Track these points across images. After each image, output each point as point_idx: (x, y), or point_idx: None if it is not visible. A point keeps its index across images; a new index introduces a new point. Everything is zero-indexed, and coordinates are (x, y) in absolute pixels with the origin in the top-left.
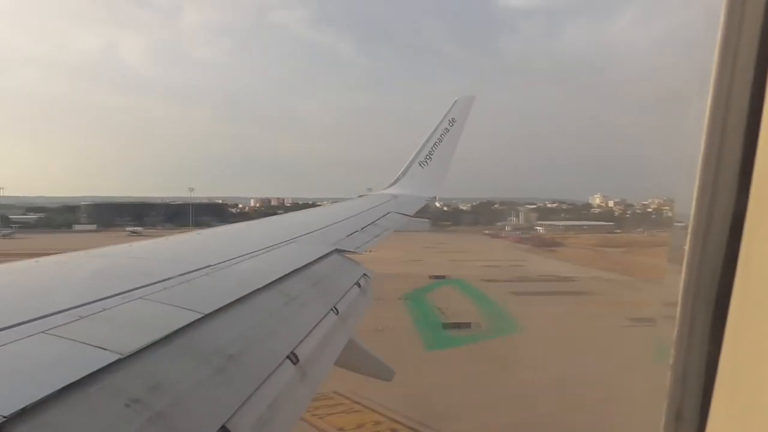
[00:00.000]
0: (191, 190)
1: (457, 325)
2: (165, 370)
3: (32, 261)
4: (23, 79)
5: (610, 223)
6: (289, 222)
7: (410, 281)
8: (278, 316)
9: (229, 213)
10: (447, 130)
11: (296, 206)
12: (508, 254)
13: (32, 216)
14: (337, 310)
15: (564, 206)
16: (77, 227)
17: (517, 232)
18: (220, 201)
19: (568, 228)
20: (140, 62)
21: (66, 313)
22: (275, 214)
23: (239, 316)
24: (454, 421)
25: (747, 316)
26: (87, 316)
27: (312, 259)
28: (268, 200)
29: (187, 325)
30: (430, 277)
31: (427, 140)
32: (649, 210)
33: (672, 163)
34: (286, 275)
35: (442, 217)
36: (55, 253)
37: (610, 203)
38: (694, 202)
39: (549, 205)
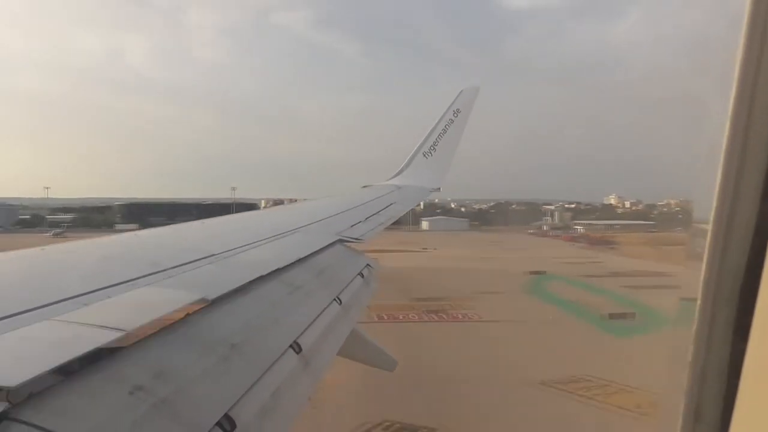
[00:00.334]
0: (233, 189)
1: (622, 316)
2: (169, 357)
3: (38, 249)
4: (30, 83)
5: (649, 223)
6: (293, 212)
7: (510, 277)
8: (282, 305)
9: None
10: (452, 120)
11: None
12: (573, 252)
13: (66, 216)
14: (340, 300)
15: (582, 206)
16: (118, 227)
17: (559, 232)
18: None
19: (606, 227)
20: (143, 64)
21: (71, 300)
22: None
23: (243, 304)
24: None
25: None
26: (92, 303)
27: (316, 249)
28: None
29: (191, 313)
30: (530, 272)
31: (432, 131)
32: (676, 210)
33: (686, 164)
34: (289, 265)
35: (468, 217)
36: None
37: (627, 204)
38: (715, 201)
39: (568, 206)
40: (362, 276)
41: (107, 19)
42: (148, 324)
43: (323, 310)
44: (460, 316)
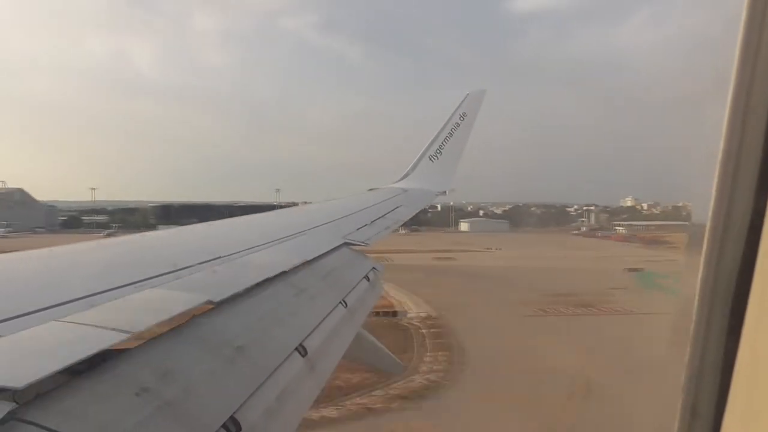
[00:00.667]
0: (277, 191)
1: None
2: (175, 359)
3: (46, 250)
4: (49, 87)
5: (684, 223)
6: (299, 214)
7: (615, 275)
8: (287, 308)
9: None
10: (458, 124)
11: None
12: (638, 251)
13: (100, 218)
14: (345, 303)
15: (598, 208)
16: (161, 227)
17: (605, 232)
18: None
19: (644, 228)
20: (151, 67)
21: (78, 301)
22: None
23: (249, 306)
24: None
25: (766, 314)
26: (98, 305)
27: (322, 252)
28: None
29: (197, 315)
30: (628, 270)
31: (438, 134)
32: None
33: (688, 165)
34: (295, 267)
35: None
36: None
37: (644, 205)
38: (712, 202)
39: (587, 208)
40: (368, 279)
41: (122, 24)
42: (155, 326)
43: (329, 313)
44: (617, 309)
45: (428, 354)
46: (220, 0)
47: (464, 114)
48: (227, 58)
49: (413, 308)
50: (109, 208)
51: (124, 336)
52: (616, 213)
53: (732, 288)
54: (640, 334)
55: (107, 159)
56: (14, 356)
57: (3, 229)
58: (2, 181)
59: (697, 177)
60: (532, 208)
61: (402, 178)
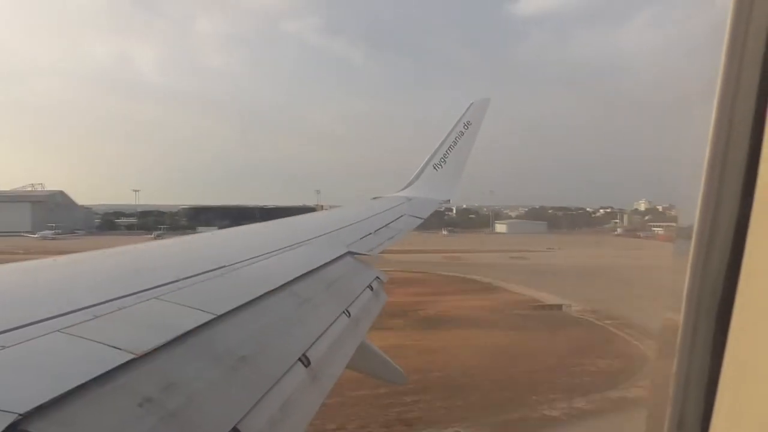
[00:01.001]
0: (318, 192)
1: None
2: (178, 370)
3: (50, 260)
4: (52, 90)
5: None
6: (303, 223)
7: None
8: (290, 318)
9: None
10: (462, 133)
11: None
12: None
13: (130, 220)
14: (349, 313)
15: (613, 210)
16: (200, 228)
17: (641, 233)
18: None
19: None
20: (154, 70)
21: (82, 311)
22: None
23: (252, 317)
24: None
25: (750, 324)
26: (102, 315)
27: (325, 261)
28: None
29: (200, 326)
30: None
31: (442, 143)
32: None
33: (679, 169)
34: (299, 277)
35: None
36: None
37: (659, 208)
38: (698, 210)
39: (603, 210)
40: (371, 289)
41: (133, 29)
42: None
43: (332, 323)
44: None
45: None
46: (221, 2)
47: (468, 123)
48: (239, 64)
49: (564, 302)
50: (139, 210)
51: (128, 357)
52: (634, 215)
53: (716, 301)
54: None
55: (129, 163)
56: (17, 374)
57: (51, 232)
58: (40, 184)
59: (685, 180)
60: (549, 210)
61: (406, 187)
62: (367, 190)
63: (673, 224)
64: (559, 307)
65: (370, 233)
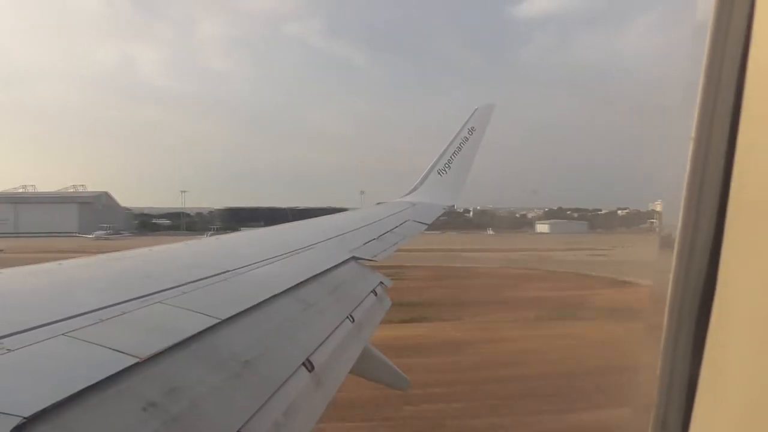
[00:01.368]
0: (362, 193)
1: None
2: (182, 374)
3: (55, 264)
4: (60, 94)
5: None
6: (307, 228)
7: None
8: (294, 322)
9: None
10: (466, 138)
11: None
12: None
13: (165, 221)
14: (353, 318)
15: (632, 210)
16: (242, 228)
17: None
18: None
19: None
20: (158, 75)
21: (86, 315)
22: None
23: (255, 321)
24: None
25: (726, 326)
26: (107, 319)
27: (329, 266)
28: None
29: (204, 330)
30: None
31: (447, 148)
32: None
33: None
34: (303, 282)
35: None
36: None
37: None
38: (681, 213)
39: (621, 211)
40: (375, 294)
41: (138, 34)
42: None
43: (336, 328)
44: None
45: None
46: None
47: (473, 128)
48: (246, 66)
49: None
50: (178, 212)
51: (132, 361)
52: (648, 216)
53: (696, 306)
54: None
55: (158, 167)
56: (21, 377)
57: (104, 232)
58: (82, 185)
59: (670, 180)
60: (567, 212)
61: (410, 192)
62: (375, 194)
63: None
64: None
65: (374, 238)
